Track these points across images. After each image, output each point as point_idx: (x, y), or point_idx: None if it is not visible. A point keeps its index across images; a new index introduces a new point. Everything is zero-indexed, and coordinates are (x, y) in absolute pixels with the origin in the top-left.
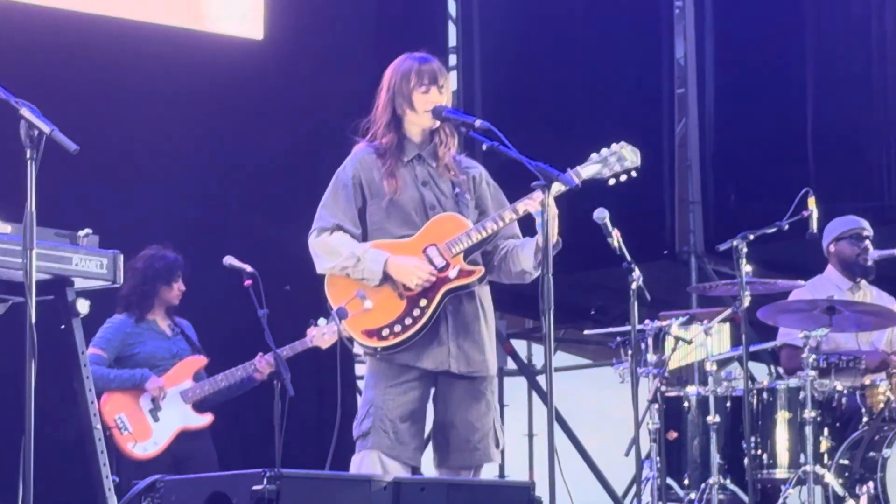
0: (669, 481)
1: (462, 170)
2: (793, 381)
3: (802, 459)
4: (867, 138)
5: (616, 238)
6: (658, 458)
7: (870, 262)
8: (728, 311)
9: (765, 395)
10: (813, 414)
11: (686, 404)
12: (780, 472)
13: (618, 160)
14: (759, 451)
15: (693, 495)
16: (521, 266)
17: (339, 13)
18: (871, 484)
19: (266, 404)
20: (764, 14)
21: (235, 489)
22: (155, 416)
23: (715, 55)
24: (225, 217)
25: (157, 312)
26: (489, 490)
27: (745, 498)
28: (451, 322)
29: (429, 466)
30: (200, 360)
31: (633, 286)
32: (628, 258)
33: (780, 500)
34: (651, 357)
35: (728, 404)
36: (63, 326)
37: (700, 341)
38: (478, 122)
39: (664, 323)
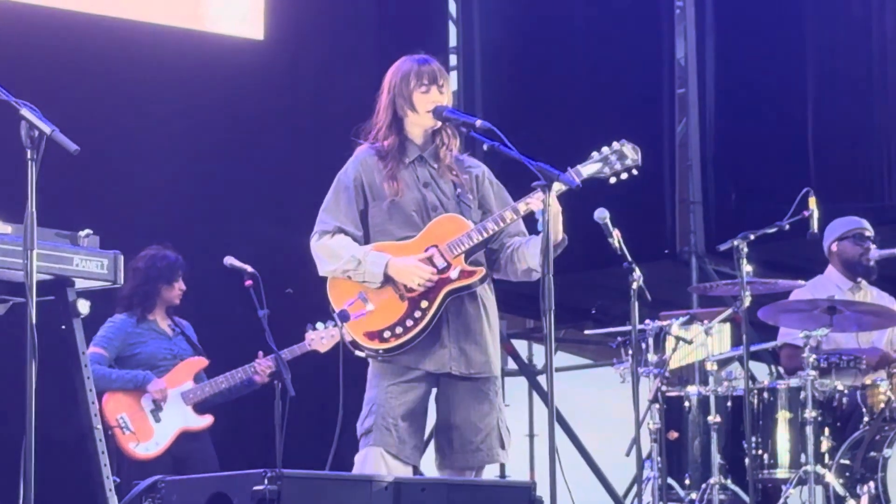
0: (670, 481)
1: (464, 169)
2: (793, 381)
3: (803, 459)
4: (867, 138)
5: (617, 238)
6: (659, 458)
7: (872, 263)
8: (729, 311)
9: (765, 394)
10: (814, 414)
11: (687, 404)
12: (781, 472)
13: (618, 158)
14: (760, 451)
15: (694, 495)
16: (526, 264)
17: (339, 13)
18: (871, 484)
19: (267, 405)
20: (764, 14)
21: (236, 489)
22: (156, 417)
23: (715, 55)
24: (225, 217)
25: (158, 312)
26: (490, 490)
27: (745, 498)
28: (453, 323)
29: (430, 467)
30: (201, 362)
31: (634, 286)
32: (629, 258)
33: (781, 500)
34: (652, 357)
35: (729, 404)
36: (64, 327)
37: (701, 341)
38: (479, 122)
39: (665, 323)
